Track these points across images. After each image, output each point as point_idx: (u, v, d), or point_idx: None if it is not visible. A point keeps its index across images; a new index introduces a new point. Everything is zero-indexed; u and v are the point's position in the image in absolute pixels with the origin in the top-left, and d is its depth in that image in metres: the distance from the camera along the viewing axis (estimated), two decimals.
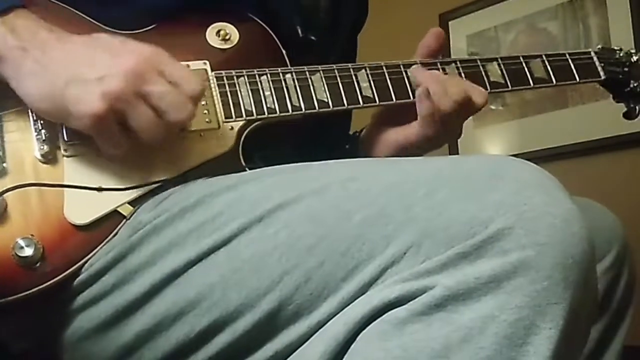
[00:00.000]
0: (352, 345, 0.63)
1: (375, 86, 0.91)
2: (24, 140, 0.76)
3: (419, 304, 0.59)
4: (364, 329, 0.62)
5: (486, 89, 0.95)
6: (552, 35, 2.25)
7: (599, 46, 1.11)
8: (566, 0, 2.23)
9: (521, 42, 2.31)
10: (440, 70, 0.96)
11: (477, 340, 0.58)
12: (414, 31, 2.53)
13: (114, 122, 0.71)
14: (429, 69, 0.94)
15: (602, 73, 1.07)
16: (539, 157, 2.11)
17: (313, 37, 0.99)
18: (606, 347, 0.95)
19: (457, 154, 2.31)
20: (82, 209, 0.75)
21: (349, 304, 0.64)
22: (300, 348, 0.68)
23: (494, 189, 0.61)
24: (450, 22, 2.47)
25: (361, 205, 0.65)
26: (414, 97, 0.92)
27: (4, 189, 0.72)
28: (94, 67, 0.71)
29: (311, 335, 0.67)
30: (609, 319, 0.95)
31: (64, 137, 0.77)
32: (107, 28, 0.83)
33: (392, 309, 0.61)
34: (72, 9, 0.83)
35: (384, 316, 0.61)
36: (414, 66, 0.94)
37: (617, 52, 1.12)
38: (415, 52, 0.98)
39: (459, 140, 2.30)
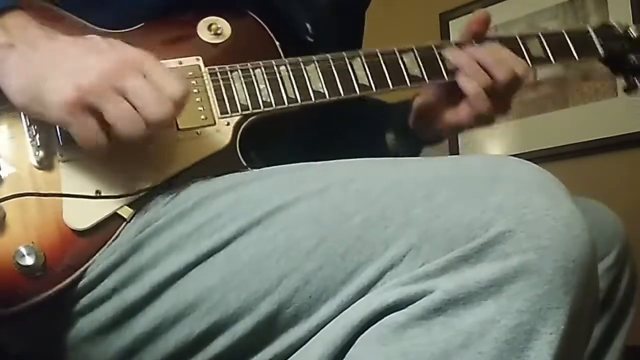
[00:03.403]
0: (351, 350, 0.62)
1: (371, 73, 0.90)
2: (19, 147, 0.76)
3: (419, 308, 0.59)
4: (362, 332, 0.62)
5: None
6: None
7: (597, 24, 1.10)
8: None
9: None
10: None
11: (477, 345, 0.57)
12: (414, 31, 2.54)
13: (88, 114, 0.70)
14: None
15: (600, 50, 1.06)
16: (539, 157, 2.10)
17: (316, 30, 0.99)
18: (608, 346, 0.95)
19: (458, 153, 2.30)
20: (82, 213, 0.75)
21: (348, 307, 0.64)
22: (299, 351, 0.67)
23: (494, 191, 0.60)
24: (450, 22, 2.47)
25: (360, 207, 0.65)
26: (411, 82, 0.92)
27: (0, 198, 0.72)
28: (74, 62, 0.70)
29: (310, 338, 0.67)
30: (611, 318, 0.95)
31: (59, 142, 0.76)
32: (97, 28, 0.83)
33: (391, 313, 0.60)
34: (63, 11, 0.83)
35: (383, 320, 0.61)
36: (448, 48, 0.95)
37: (616, 27, 1.10)
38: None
39: (459, 140, 2.32)
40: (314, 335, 0.66)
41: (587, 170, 2.12)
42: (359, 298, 0.63)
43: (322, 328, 0.66)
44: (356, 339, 0.62)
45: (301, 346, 0.67)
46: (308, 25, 0.98)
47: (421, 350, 0.58)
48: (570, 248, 0.58)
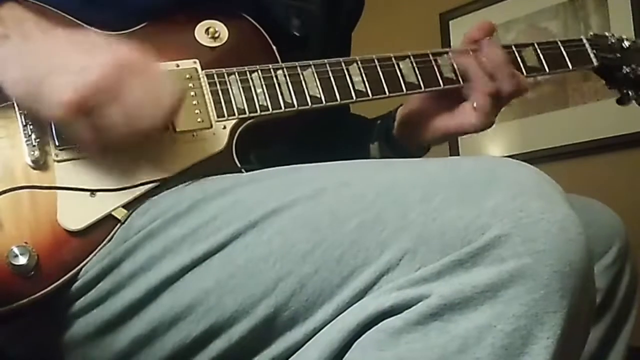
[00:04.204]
0: (348, 354, 0.62)
1: (367, 80, 0.90)
2: (14, 146, 0.76)
3: (415, 313, 0.58)
4: (358, 336, 0.61)
5: None
6: (552, 34, 2.24)
7: (591, 33, 1.11)
8: None
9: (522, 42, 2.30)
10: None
11: (473, 351, 0.57)
12: (414, 31, 2.55)
13: (85, 116, 0.70)
14: None
15: (594, 60, 1.07)
16: (539, 157, 2.10)
17: (307, 34, 0.99)
18: (610, 347, 0.95)
19: (458, 153, 2.30)
20: (76, 214, 0.74)
21: (344, 311, 0.64)
22: (295, 354, 0.67)
23: (490, 194, 0.60)
24: (450, 22, 2.47)
25: (356, 211, 0.64)
26: (407, 89, 0.92)
27: None
28: (74, 60, 0.70)
29: (307, 342, 0.66)
30: (612, 319, 0.94)
31: (54, 142, 0.76)
32: (94, 30, 0.83)
33: (387, 318, 0.60)
34: (60, 12, 0.82)
35: (379, 325, 0.60)
36: (457, 54, 0.95)
37: (609, 38, 1.11)
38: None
39: (459, 140, 2.32)
40: (310, 339, 0.66)
41: (587, 170, 2.11)
42: (355, 302, 0.63)
43: (318, 332, 0.65)
44: (352, 343, 0.62)
45: (298, 349, 0.67)
46: (302, 20, 0.99)
47: (418, 356, 0.58)
48: (566, 252, 0.58)
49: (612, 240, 0.94)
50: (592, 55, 1.07)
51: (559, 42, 1.04)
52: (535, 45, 1.02)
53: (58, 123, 0.73)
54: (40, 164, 0.75)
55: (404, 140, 1.04)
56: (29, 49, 0.71)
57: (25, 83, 0.71)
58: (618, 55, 1.11)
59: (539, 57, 1.01)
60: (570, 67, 1.04)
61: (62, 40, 0.73)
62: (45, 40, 0.72)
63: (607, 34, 1.12)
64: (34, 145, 0.75)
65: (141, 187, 0.76)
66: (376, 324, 0.60)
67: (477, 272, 0.58)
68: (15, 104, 0.76)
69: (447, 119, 0.98)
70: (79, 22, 0.82)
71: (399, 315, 0.59)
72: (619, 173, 2.06)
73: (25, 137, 0.76)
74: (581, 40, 1.07)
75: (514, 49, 1.00)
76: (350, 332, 0.61)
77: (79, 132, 0.72)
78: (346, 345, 0.62)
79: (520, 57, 1.00)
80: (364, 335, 0.61)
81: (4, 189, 0.72)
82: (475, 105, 0.95)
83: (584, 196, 1.00)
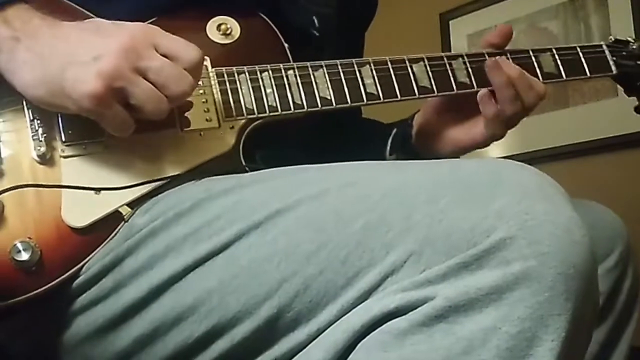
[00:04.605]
0: (352, 355, 0.62)
1: (379, 83, 0.88)
2: (21, 141, 0.75)
3: (420, 314, 0.59)
4: (363, 337, 0.61)
5: None
6: (552, 34, 2.24)
7: (611, 38, 1.08)
8: None
9: (522, 42, 2.29)
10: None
11: (478, 352, 0.57)
12: (414, 31, 2.54)
13: (115, 102, 0.70)
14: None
15: (614, 67, 1.04)
16: (540, 157, 2.10)
17: (320, 33, 0.98)
18: (612, 349, 0.95)
19: None
20: (80, 211, 0.74)
21: (348, 312, 0.64)
22: (298, 355, 0.67)
23: (495, 197, 0.60)
24: (450, 22, 2.46)
25: (361, 212, 0.64)
26: (419, 93, 0.91)
27: (0, 190, 0.72)
28: (87, 48, 0.70)
29: (310, 343, 0.66)
30: (614, 321, 0.95)
31: (61, 138, 0.76)
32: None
33: (392, 319, 0.60)
34: (72, 4, 0.82)
35: (383, 326, 0.60)
36: (491, 62, 0.93)
37: (630, 44, 1.07)
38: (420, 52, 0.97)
39: None
40: (313, 340, 0.66)
41: (587, 170, 2.11)
42: (360, 303, 0.63)
43: (322, 333, 0.65)
44: (357, 344, 0.62)
45: (301, 350, 0.67)
46: (315, 19, 0.98)
47: (422, 357, 0.58)
48: (571, 254, 0.58)
49: (614, 243, 0.94)
50: (611, 63, 1.03)
51: (578, 48, 1.01)
52: (553, 50, 0.99)
53: (92, 116, 0.72)
54: (46, 159, 0.75)
55: (422, 150, 1.03)
56: (41, 48, 0.71)
57: (46, 83, 0.71)
58: (638, 62, 1.06)
59: (556, 63, 0.99)
60: (589, 74, 1.01)
61: (69, 30, 0.73)
62: (54, 35, 0.72)
63: (629, 39, 1.08)
64: (41, 140, 0.75)
65: (146, 185, 0.76)
66: (380, 325, 0.60)
67: (482, 274, 0.58)
68: (24, 100, 0.75)
69: (460, 131, 0.98)
70: (89, 14, 0.82)
71: (403, 317, 0.59)
72: (619, 173, 2.06)
73: (32, 131, 0.76)
74: (601, 46, 1.04)
75: (531, 53, 0.98)
76: (354, 333, 0.61)
77: (115, 118, 0.71)
78: (350, 346, 0.62)
79: (537, 62, 0.98)
80: (368, 337, 0.61)
81: (8, 186, 0.72)
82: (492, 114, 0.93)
83: (585, 196, 1.00)
